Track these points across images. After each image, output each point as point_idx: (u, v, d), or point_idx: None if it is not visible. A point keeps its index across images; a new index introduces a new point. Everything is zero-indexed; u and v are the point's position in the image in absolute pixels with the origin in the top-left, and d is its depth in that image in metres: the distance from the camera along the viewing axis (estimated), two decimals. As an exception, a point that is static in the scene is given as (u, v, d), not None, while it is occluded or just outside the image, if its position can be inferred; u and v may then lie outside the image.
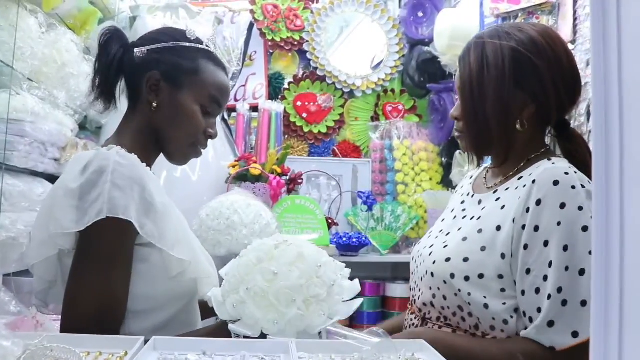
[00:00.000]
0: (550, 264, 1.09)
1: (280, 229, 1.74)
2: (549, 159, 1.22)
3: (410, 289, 1.40)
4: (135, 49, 1.22)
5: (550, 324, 1.08)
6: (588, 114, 1.95)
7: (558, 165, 1.18)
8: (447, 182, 2.93)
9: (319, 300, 0.99)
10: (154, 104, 1.21)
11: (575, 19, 2.06)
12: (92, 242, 1.06)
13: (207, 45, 1.29)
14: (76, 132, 2.22)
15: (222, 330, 1.06)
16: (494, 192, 1.27)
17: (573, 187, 1.11)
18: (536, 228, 1.12)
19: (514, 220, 1.15)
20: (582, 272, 1.07)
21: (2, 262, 1.58)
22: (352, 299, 1.05)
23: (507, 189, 1.23)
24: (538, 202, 1.12)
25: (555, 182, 1.12)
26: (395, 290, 2.71)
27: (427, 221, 2.83)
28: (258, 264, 1.01)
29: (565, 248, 1.09)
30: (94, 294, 1.04)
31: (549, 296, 1.08)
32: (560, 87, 1.22)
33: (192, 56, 1.25)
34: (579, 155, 1.29)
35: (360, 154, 3.09)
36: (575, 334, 1.06)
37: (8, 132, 1.73)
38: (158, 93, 1.22)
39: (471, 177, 1.46)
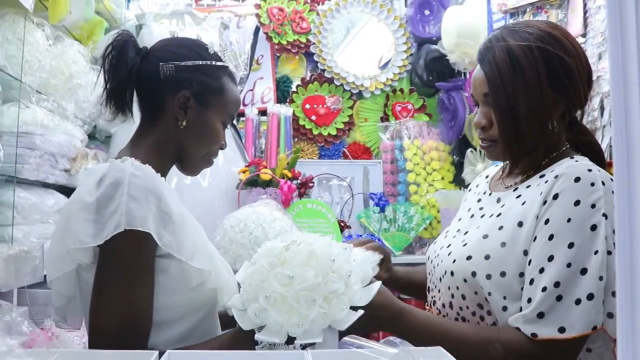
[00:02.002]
0: (550, 259, 1.09)
1: None
2: (572, 157, 1.21)
3: (428, 290, 1.38)
4: (162, 64, 1.21)
5: (540, 315, 1.07)
6: (601, 108, 1.92)
7: (582, 163, 1.17)
8: (459, 181, 2.91)
9: (338, 295, 0.99)
10: (184, 123, 1.22)
11: (585, 12, 2.03)
12: (113, 256, 1.05)
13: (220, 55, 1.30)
14: (86, 142, 2.22)
15: (239, 337, 1.06)
16: (514, 190, 1.25)
17: (592, 184, 1.10)
18: (546, 221, 1.11)
19: (537, 217, 1.14)
20: (584, 271, 1.06)
21: (15, 276, 1.57)
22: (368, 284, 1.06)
23: (528, 186, 1.22)
24: (555, 196, 1.12)
25: (577, 179, 1.11)
26: (410, 291, 2.68)
27: (440, 221, 2.81)
28: (272, 270, 1.01)
29: (571, 245, 1.08)
30: (118, 309, 1.03)
31: (544, 289, 1.07)
32: (585, 83, 1.21)
33: (218, 75, 1.26)
34: (594, 147, 1.28)
35: (370, 155, 3.07)
36: (562, 330, 1.06)
37: (18, 146, 1.73)
38: (186, 111, 1.22)
39: (487, 177, 1.43)
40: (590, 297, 1.05)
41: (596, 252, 1.06)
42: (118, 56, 1.19)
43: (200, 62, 1.24)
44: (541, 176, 1.21)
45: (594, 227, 1.07)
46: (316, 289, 0.98)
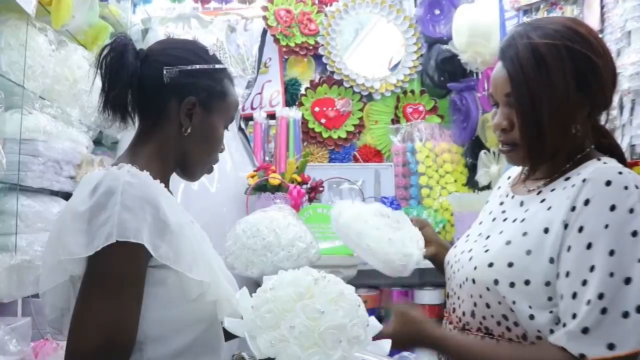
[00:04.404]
0: (592, 269, 1.02)
1: (319, 253, 1.65)
2: (599, 159, 1.14)
3: (447, 296, 1.33)
4: (165, 69, 1.17)
5: (585, 331, 1.00)
6: (620, 106, 1.86)
7: (611, 165, 1.10)
8: (473, 184, 2.84)
9: (360, 341, 0.96)
10: (189, 130, 1.19)
11: (602, 7, 1.97)
12: (100, 268, 1.01)
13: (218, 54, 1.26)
14: (91, 148, 2.20)
15: None
16: (538, 193, 1.18)
17: (626, 187, 1.04)
18: (580, 229, 1.05)
19: (564, 224, 1.07)
20: (628, 280, 0.99)
21: (18, 286, 1.54)
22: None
23: (553, 190, 1.15)
24: (586, 202, 1.05)
25: (608, 183, 1.05)
26: (424, 297, 2.62)
27: (453, 224, 2.75)
28: (299, 300, 0.96)
29: (612, 253, 1.01)
30: (101, 323, 0.99)
31: (588, 302, 1.00)
32: (611, 83, 1.15)
33: (220, 78, 1.24)
34: (615, 150, 1.22)
35: (381, 159, 3.02)
36: (611, 346, 0.98)
37: (21, 153, 1.71)
38: (191, 118, 1.19)
39: (509, 178, 1.37)
40: (639, 309, 0.98)
41: (639, 260, 1.00)
42: (118, 61, 1.15)
43: (205, 67, 1.21)
44: (566, 179, 1.14)
45: (635, 233, 1.01)
46: (343, 330, 0.94)
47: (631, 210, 1.02)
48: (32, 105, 1.80)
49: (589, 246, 1.03)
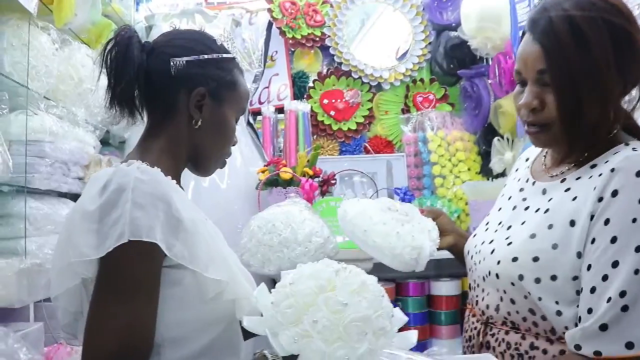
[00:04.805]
0: (615, 264, 0.97)
1: (337, 247, 1.60)
2: (627, 144, 1.07)
3: (470, 288, 1.28)
4: (172, 60, 1.13)
5: (603, 327, 0.96)
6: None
7: None
8: (486, 171, 2.80)
9: (385, 332, 0.92)
10: (200, 122, 1.15)
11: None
12: (114, 269, 0.97)
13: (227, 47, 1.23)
14: (99, 148, 2.17)
15: None
16: (562, 181, 1.12)
17: None
18: (607, 221, 0.99)
19: (590, 215, 1.02)
20: None
21: (29, 291, 1.51)
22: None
23: (578, 178, 1.09)
24: (614, 193, 0.99)
25: (638, 173, 0.99)
26: (441, 288, 2.58)
27: (468, 214, 2.71)
28: (321, 293, 0.92)
29: (638, 249, 0.96)
30: (116, 327, 0.95)
31: (609, 299, 0.96)
32: None
33: (229, 68, 1.21)
34: (637, 130, 1.16)
35: (393, 149, 2.97)
36: (630, 345, 0.94)
37: (28, 154, 1.68)
38: (201, 109, 1.16)
39: (527, 160, 1.31)
40: None
41: None
42: (123, 55, 1.11)
43: (213, 56, 1.17)
44: (592, 166, 1.08)
45: None
46: (368, 322, 0.90)
47: None
48: (37, 105, 1.77)
49: (614, 240, 0.98)
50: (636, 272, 0.95)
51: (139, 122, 1.20)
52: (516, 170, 1.33)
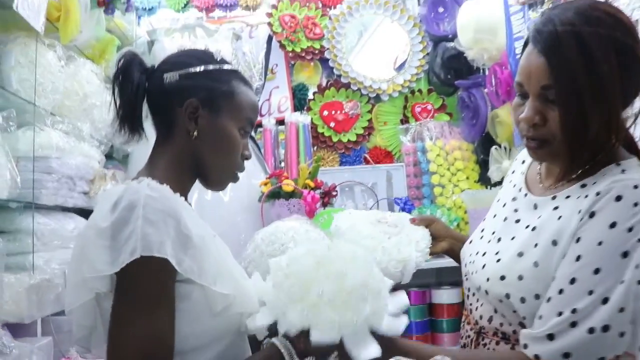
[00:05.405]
0: (572, 281, 1.00)
1: None
2: (618, 164, 1.07)
3: (466, 296, 1.31)
4: (166, 76, 1.16)
5: (550, 337, 1.00)
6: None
7: (628, 176, 1.03)
8: (485, 180, 2.83)
9: (382, 295, 1.03)
10: (195, 133, 1.16)
11: (609, -2, 1.95)
12: (130, 284, 1.00)
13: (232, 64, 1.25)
14: (103, 163, 2.19)
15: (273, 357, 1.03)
16: (553, 198, 1.13)
17: (635, 204, 0.99)
18: (577, 240, 1.02)
19: (571, 236, 1.04)
20: (605, 300, 0.97)
21: (38, 306, 1.53)
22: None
23: (567, 197, 1.09)
24: (592, 215, 1.01)
25: (618, 198, 1.00)
26: (442, 296, 2.61)
27: (467, 222, 2.73)
28: (320, 268, 1.01)
29: (597, 271, 0.98)
30: (139, 340, 0.98)
31: (560, 313, 1.00)
32: None
33: (225, 79, 1.21)
34: (633, 143, 1.17)
35: (392, 159, 3.01)
36: (566, 355, 0.98)
37: (35, 170, 1.71)
38: (197, 121, 1.17)
39: (523, 162, 1.30)
40: (605, 328, 0.96)
41: (622, 282, 0.97)
42: (124, 78, 1.15)
43: (203, 68, 1.19)
44: (583, 185, 1.08)
45: (625, 254, 0.97)
46: (366, 287, 1.01)
47: (630, 229, 0.98)
48: (43, 122, 1.81)
49: (578, 258, 1.01)
50: (590, 292, 0.98)
51: (144, 139, 1.23)
52: (512, 172, 1.34)
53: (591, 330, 0.97)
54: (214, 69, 1.20)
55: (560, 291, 1.01)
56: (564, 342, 0.98)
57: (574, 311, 0.98)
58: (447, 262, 2.43)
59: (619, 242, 0.98)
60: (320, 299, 0.96)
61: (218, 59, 1.22)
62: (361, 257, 1.05)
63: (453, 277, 2.53)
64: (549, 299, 1.02)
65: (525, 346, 1.04)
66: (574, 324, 0.98)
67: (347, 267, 1.00)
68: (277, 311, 1.01)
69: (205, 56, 1.22)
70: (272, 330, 1.06)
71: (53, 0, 1.77)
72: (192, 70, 1.17)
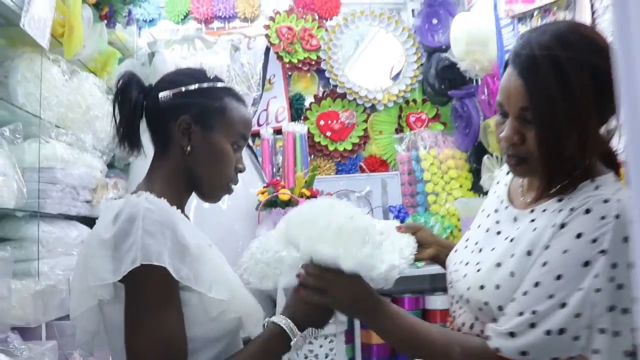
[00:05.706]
0: (536, 285, 1.06)
1: None
2: (593, 180, 1.11)
3: (450, 303, 1.36)
4: (160, 95, 1.22)
5: (512, 334, 1.06)
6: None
7: (601, 192, 1.07)
8: (477, 188, 2.89)
9: (379, 248, 1.21)
10: (188, 149, 1.22)
11: (593, 13, 2.02)
12: (138, 291, 1.06)
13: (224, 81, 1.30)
14: (105, 172, 2.25)
15: (274, 338, 1.13)
16: (531, 211, 1.17)
17: (603, 217, 1.03)
18: (546, 247, 1.08)
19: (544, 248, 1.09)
20: (563, 305, 1.03)
21: (44, 311, 1.60)
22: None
23: (544, 210, 1.14)
24: (562, 226, 1.07)
25: (587, 211, 1.05)
26: (436, 302, 2.67)
27: (460, 229, 2.80)
28: (332, 209, 1.20)
29: (559, 278, 1.04)
30: (155, 342, 1.04)
31: (521, 313, 1.06)
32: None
33: (218, 95, 1.25)
34: (611, 157, 1.19)
35: (387, 168, 3.08)
36: (524, 353, 1.04)
37: (40, 181, 1.77)
38: (190, 137, 1.22)
39: (508, 174, 1.33)
40: (561, 331, 1.02)
41: (580, 289, 1.02)
42: (122, 97, 1.21)
43: (197, 86, 1.24)
44: (559, 200, 1.12)
45: (586, 263, 1.02)
46: (369, 232, 1.18)
47: (593, 240, 1.02)
48: (48, 134, 1.86)
49: (544, 264, 1.06)
50: (550, 296, 1.03)
51: (143, 153, 1.29)
52: (497, 183, 1.37)
53: (548, 332, 1.03)
54: (207, 86, 1.25)
55: (525, 293, 1.07)
56: (523, 340, 1.05)
57: (534, 313, 1.04)
58: (441, 268, 2.50)
59: (583, 252, 1.03)
60: (325, 230, 1.14)
61: (211, 77, 1.27)
62: (359, 217, 1.21)
63: (446, 283, 2.58)
64: (514, 299, 1.08)
65: (489, 338, 1.09)
66: (533, 325, 1.04)
67: (354, 212, 1.20)
68: (289, 240, 1.23)
69: (198, 74, 1.27)
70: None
71: (57, 17, 1.83)
72: (184, 88, 1.23)
